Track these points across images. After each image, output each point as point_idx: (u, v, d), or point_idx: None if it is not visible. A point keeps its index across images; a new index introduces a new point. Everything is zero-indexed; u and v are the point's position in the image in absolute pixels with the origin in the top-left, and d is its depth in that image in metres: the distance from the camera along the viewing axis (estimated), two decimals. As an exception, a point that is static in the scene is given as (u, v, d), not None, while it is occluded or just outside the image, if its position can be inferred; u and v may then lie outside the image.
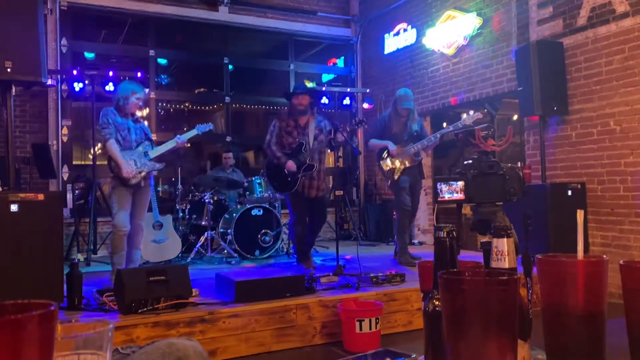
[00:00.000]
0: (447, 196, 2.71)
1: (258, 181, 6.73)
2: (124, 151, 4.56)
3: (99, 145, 6.81)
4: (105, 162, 4.72)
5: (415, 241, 7.61)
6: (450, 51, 7.15)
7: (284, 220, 6.59)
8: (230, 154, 7.53)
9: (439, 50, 7.35)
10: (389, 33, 8.36)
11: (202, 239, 6.39)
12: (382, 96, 8.44)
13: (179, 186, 6.80)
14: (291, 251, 6.38)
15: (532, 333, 0.97)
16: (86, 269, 5.62)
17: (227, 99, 8.59)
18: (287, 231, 6.33)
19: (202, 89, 9.66)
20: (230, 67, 8.64)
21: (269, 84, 9.77)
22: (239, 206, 6.77)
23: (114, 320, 3.20)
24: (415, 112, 5.76)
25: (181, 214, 6.72)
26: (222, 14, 8.29)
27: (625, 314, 0.88)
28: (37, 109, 7.35)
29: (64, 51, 7.41)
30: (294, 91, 5.49)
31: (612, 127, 5.11)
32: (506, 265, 0.93)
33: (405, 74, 8.03)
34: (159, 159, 4.81)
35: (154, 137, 5.18)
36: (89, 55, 8.14)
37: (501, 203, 2.72)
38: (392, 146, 5.50)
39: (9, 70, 3.58)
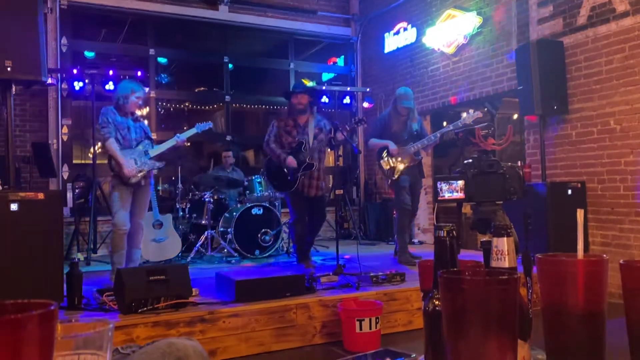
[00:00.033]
0: (447, 195, 2.71)
1: (258, 180, 6.73)
2: (124, 150, 4.56)
3: (99, 144, 6.81)
4: (106, 161, 4.72)
5: (415, 240, 7.61)
6: (450, 50, 7.14)
7: (284, 220, 6.59)
8: (230, 153, 7.53)
9: (439, 49, 7.35)
10: (389, 32, 8.36)
11: (202, 238, 6.39)
12: (382, 95, 8.44)
13: (179, 185, 6.80)
14: (291, 250, 6.38)
15: (532, 333, 0.97)
16: (86, 268, 5.62)
17: (227, 98, 8.58)
18: (287, 230, 6.33)
19: (202, 88, 9.66)
20: (230, 66, 8.63)
21: (269, 83, 9.77)
22: (239, 205, 6.77)
23: (114, 320, 3.21)
24: (415, 111, 5.76)
25: (181, 213, 6.72)
26: (222, 13, 8.28)
27: (625, 314, 0.88)
28: (37, 108, 7.35)
29: (64, 50, 7.41)
30: (292, 90, 5.50)
31: (612, 126, 5.11)
32: (506, 264, 0.93)
33: (405, 73, 8.03)
34: (158, 157, 4.81)
35: (154, 136, 5.18)
36: (89, 54, 8.14)
37: (501, 202, 2.72)
38: (392, 146, 5.50)
39: (9, 69, 3.58)
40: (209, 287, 4.24)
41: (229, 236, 6.25)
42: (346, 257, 5.55)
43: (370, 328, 3.60)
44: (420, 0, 7.74)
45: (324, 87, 8.64)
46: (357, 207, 8.83)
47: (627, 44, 4.98)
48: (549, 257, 0.91)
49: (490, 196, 2.69)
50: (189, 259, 6.07)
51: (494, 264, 0.94)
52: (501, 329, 0.73)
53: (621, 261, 0.89)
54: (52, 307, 0.54)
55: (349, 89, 8.93)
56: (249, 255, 6.26)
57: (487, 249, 0.98)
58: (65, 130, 7.39)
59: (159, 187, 8.61)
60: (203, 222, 6.61)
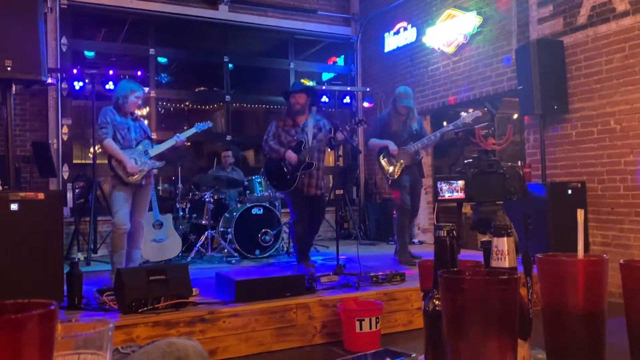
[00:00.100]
0: (447, 195, 2.71)
1: (258, 180, 6.73)
2: (124, 150, 4.57)
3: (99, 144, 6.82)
4: (106, 161, 4.72)
5: (416, 240, 7.61)
6: (450, 50, 7.14)
7: (284, 220, 6.59)
8: (230, 153, 7.53)
9: (439, 48, 7.35)
10: (389, 32, 8.36)
11: (202, 238, 6.38)
12: (382, 95, 8.43)
13: (179, 185, 6.79)
14: (291, 250, 6.38)
15: (532, 332, 0.97)
16: (86, 268, 5.62)
17: (228, 97, 8.58)
18: (287, 230, 6.33)
19: (202, 88, 9.67)
20: (230, 65, 8.63)
21: (269, 83, 9.77)
22: (239, 205, 6.77)
23: (114, 320, 3.20)
24: (415, 111, 5.76)
25: (181, 213, 6.72)
26: (222, 13, 8.28)
27: (625, 313, 0.88)
28: (37, 107, 7.35)
29: (64, 50, 7.40)
30: (290, 90, 5.50)
31: (613, 125, 5.11)
32: (506, 264, 0.93)
33: (405, 72, 8.03)
34: (159, 157, 4.81)
35: (154, 135, 5.18)
36: (89, 53, 8.14)
37: (501, 202, 2.72)
38: (392, 145, 5.49)
39: (9, 69, 3.58)
40: (209, 287, 4.24)
41: (229, 236, 6.24)
42: (342, 257, 5.55)
43: (371, 328, 3.60)
44: (420, 0, 7.73)
45: (324, 87, 8.65)
46: (357, 207, 8.83)
47: (627, 43, 4.98)
48: (549, 257, 0.91)
49: (490, 196, 2.69)
50: (189, 259, 6.07)
51: (494, 263, 0.94)
52: (501, 329, 0.73)
53: (621, 261, 0.89)
54: (52, 307, 0.54)
55: (349, 88, 8.93)
56: (249, 255, 6.26)
57: (487, 248, 0.98)
58: (65, 130, 7.39)
59: (159, 187, 8.62)
60: (203, 222, 6.61)
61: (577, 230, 0.94)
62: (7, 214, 3.54)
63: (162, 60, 8.59)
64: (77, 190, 7.40)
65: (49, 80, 6.39)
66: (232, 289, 3.80)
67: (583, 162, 5.38)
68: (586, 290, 0.87)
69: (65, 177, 7.33)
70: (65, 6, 7.37)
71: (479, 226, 2.72)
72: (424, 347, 0.96)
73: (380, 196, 8.62)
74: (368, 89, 8.81)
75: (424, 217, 7.82)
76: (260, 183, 6.72)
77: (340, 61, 9.70)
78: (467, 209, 5.17)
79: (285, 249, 6.72)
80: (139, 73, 7.18)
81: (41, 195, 3.69)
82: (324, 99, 8.54)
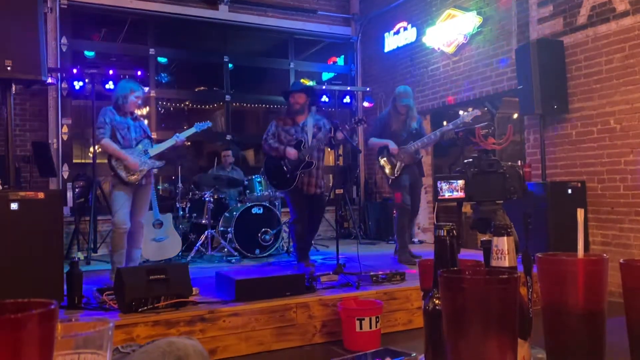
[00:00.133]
0: (447, 194, 2.71)
1: (258, 179, 6.73)
2: (124, 149, 4.57)
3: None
4: (106, 161, 4.72)
5: (415, 240, 7.61)
6: (450, 49, 7.14)
7: (284, 219, 6.59)
8: (230, 152, 7.53)
9: (439, 48, 7.35)
10: (389, 32, 8.35)
11: (202, 237, 6.38)
12: (382, 95, 8.43)
13: (179, 184, 6.80)
14: (291, 250, 6.38)
15: (532, 332, 0.97)
16: (86, 267, 5.62)
17: (227, 97, 8.58)
18: (287, 230, 6.34)
19: (202, 88, 9.66)
20: (230, 65, 8.63)
21: (269, 83, 9.77)
22: (239, 205, 6.77)
23: (114, 319, 3.20)
24: (415, 110, 5.76)
25: (181, 213, 6.72)
26: (222, 13, 8.28)
27: (625, 313, 0.88)
28: (37, 107, 7.35)
29: (64, 50, 7.40)
30: (290, 90, 5.52)
31: (612, 125, 5.11)
32: (506, 263, 0.93)
33: (405, 72, 8.03)
34: (158, 156, 4.81)
35: (154, 135, 5.18)
36: (89, 53, 8.14)
37: (501, 201, 2.72)
38: (392, 145, 5.50)
39: (9, 68, 3.58)
40: (209, 286, 4.24)
41: (229, 235, 6.25)
42: (342, 256, 5.55)
43: (370, 327, 3.60)
44: (420, 0, 7.73)
45: (324, 87, 8.64)
46: (357, 207, 8.83)
47: (627, 43, 4.98)
48: (549, 257, 0.91)
49: (490, 195, 2.69)
50: (189, 258, 6.07)
51: (494, 263, 0.94)
52: (501, 328, 0.73)
53: (621, 260, 0.89)
54: (52, 307, 0.54)
55: (349, 88, 8.93)
56: (249, 254, 6.26)
57: (487, 248, 0.98)
58: (65, 129, 7.39)
59: (159, 187, 8.62)
60: (203, 221, 6.61)
61: (577, 229, 0.94)
62: (7, 214, 3.54)
63: (162, 60, 8.59)
64: (77, 190, 7.40)
65: (49, 80, 6.39)
66: (232, 288, 3.80)
67: (583, 161, 5.38)
68: (586, 290, 0.87)
69: (65, 177, 7.33)
70: (65, 6, 7.37)
71: (479, 225, 2.71)
72: (424, 347, 0.96)
73: (380, 196, 8.62)
74: (368, 89, 8.81)
75: (424, 216, 7.82)
76: (260, 182, 6.72)
77: (340, 61, 9.70)
78: (467, 208, 5.16)
79: (285, 248, 6.72)
80: (139, 73, 7.18)
81: (41, 195, 3.69)
82: (324, 98, 8.54)
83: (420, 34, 7.70)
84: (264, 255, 6.38)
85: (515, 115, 7.93)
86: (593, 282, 0.87)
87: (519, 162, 5.94)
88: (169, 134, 5.64)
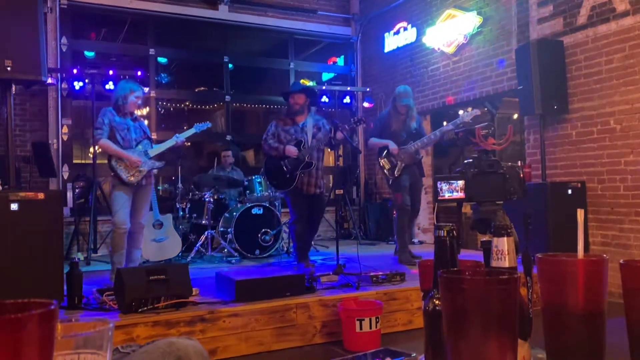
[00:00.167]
0: (447, 195, 2.71)
1: (258, 180, 6.73)
2: (124, 150, 4.57)
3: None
4: (106, 161, 4.72)
5: (416, 240, 7.61)
6: (450, 50, 7.14)
7: (284, 219, 6.59)
8: (229, 152, 7.53)
9: (439, 48, 7.35)
10: (389, 32, 8.36)
11: (202, 238, 6.38)
12: (382, 95, 8.43)
13: (179, 185, 6.80)
14: (291, 250, 6.38)
15: (532, 332, 0.97)
16: (86, 268, 5.62)
17: (227, 97, 8.58)
18: (287, 230, 6.34)
19: (202, 88, 9.66)
20: (230, 65, 8.63)
21: (269, 83, 9.77)
22: (239, 205, 6.77)
23: (114, 320, 3.20)
24: (414, 110, 5.76)
25: (181, 213, 6.72)
26: (222, 13, 8.28)
27: (625, 313, 0.88)
28: (37, 107, 7.35)
29: (64, 50, 7.40)
30: (289, 90, 5.53)
31: (612, 125, 5.11)
32: (506, 264, 0.93)
33: (405, 72, 8.03)
34: (158, 157, 4.82)
35: (153, 136, 5.19)
36: (89, 54, 8.14)
37: (501, 202, 2.72)
38: (392, 145, 5.50)
39: (9, 69, 3.58)
40: (209, 286, 4.24)
41: (229, 236, 6.25)
42: (342, 256, 5.55)
43: (371, 328, 3.60)
44: (420, 0, 7.73)
45: (323, 87, 8.65)
46: (357, 207, 8.83)
47: (627, 43, 4.98)
48: (549, 257, 0.91)
49: (490, 196, 2.69)
50: (189, 258, 6.07)
51: (494, 263, 0.94)
52: (501, 329, 0.73)
53: (621, 261, 0.89)
54: (52, 307, 0.54)
55: (349, 88, 8.93)
56: (249, 255, 6.26)
57: (487, 248, 0.98)
58: (65, 130, 7.39)
59: (159, 187, 8.61)
60: (203, 222, 6.61)
61: (577, 230, 0.94)
62: (7, 214, 3.54)
63: (162, 60, 8.59)
64: (77, 190, 7.40)
65: (49, 81, 6.39)
66: (232, 289, 3.80)
67: (583, 162, 5.38)
68: (586, 290, 0.87)
69: (65, 177, 7.33)
70: (65, 6, 7.37)
71: (479, 226, 2.71)
72: (424, 347, 0.96)
73: (380, 196, 8.62)
74: (368, 89, 8.81)
75: (424, 217, 7.82)
76: (260, 183, 6.72)
77: (340, 61, 9.70)
78: (467, 209, 5.16)
79: (285, 248, 6.72)
80: (139, 73, 7.18)
81: (41, 195, 3.69)
82: (324, 99, 8.54)
83: (420, 34, 7.70)
84: (264, 255, 6.38)
85: (515, 116, 7.93)
86: (593, 283, 0.88)
87: (519, 162, 5.92)
88: (169, 135, 5.64)
